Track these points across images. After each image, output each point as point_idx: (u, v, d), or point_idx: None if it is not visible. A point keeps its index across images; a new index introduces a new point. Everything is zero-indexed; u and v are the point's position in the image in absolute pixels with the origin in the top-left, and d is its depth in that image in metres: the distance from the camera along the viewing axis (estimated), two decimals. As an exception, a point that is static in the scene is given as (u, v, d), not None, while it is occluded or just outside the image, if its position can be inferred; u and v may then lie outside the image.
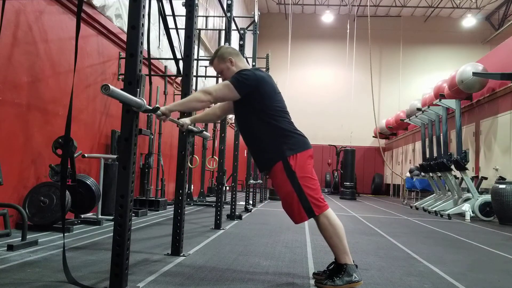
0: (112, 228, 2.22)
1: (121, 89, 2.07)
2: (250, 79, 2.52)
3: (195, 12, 3.42)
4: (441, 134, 8.92)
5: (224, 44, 4.95)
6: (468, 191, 8.03)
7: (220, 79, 8.55)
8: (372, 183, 19.34)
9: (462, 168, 8.05)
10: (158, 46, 7.08)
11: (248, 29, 6.49)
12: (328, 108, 20.51)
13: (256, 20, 7.33)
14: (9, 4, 3.71)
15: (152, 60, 6.53)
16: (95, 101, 5.53)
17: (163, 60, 7.58)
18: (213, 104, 2.74)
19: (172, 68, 7.77)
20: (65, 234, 3.18)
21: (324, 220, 2.48)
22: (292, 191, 2.46)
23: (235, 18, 5.27)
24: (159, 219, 5.37)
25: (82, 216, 4.64)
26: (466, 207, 7.52)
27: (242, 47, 5.67)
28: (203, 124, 7.25)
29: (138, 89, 2.20)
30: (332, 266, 2.53)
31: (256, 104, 2.53)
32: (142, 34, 2.26)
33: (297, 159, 2.49)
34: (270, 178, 2.65)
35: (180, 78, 3.67)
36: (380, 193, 18.93)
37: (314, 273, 2.69)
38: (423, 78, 20.13)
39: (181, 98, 3.46)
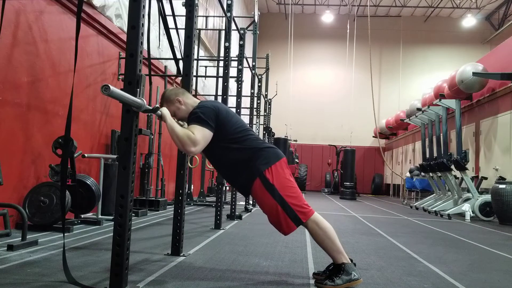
0: (112, 228, 2.22)
1: (121, 89, 2.07)
2: (210, 113, 2.49)
3: (195, 12, 3.42)
4: (441, 134, 8.92)
5: (225, 44, 4.95)
6: (468, 191, 8.03)
7: (220, 80, 8.55)
8: (372, 183, 19.34)
9: (462, 168, 8.05)
10: (158, 46, 7.08)
11: (248, 29, 6.48)
12: (328, 108, 20.52)
13: (256, 20, 7.33)
14: (9, 4, 3.71)
15: (152, 60, 6.53)
16: (95, 101, 5.53)
17: (163, 60, 7.58)
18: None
19: (172, 68, 7.77)
20: (65, 234, 3.18)
21: (313, 225, 2.50)
22: (275, 204, 2.47)
23: (235, 18, 5.27)
24: (159, 219, 5.37)
25: (82, 216, 4.64)
26: (466, 207, 7.52)
27: (242, 47, 5.67)
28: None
29: (138, 89, 2.20)
30: (331, 267, 2.53)
31: (219, 135, 2.52)
32: (142, 34, 2.26)
33: (272, 171, 2.50)
34: (253, 198, 2.66)
35: (180, 78, 3.67)
36: (380, 193, 18.93)
37: (314, 273, 2.69)
38: (423, 78, 20.14)
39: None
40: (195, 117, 2.50)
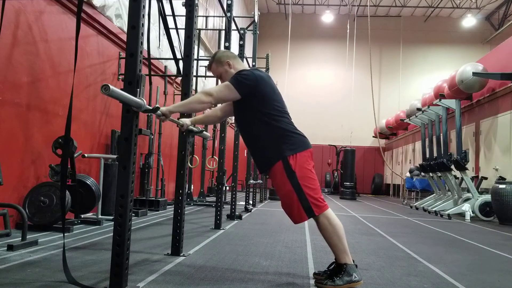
0: (112, 228, 2.22)
1: (121, 89, 2.07)
2: (249, 78, 2.51)
3: (195, 12, 3.42)
4: (441, 134, 8.92)
5: (225, 44, 4.95)
6: (468, 191, 8.03)
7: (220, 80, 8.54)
8: (372, 183, 19.34)
9: (462, 168, 8.05)
10: (158, 46, 7.08)
11: (248, 29, 6.48)
12: (328, 108, 20.52)
13: (256, 20, 7.33)
14: (9, 4, 3.71)
15: (152, 60, 6.53)
16: (95, 101, 5.53)
17: (163, 60, 7.58)
18: (213, 106, 2.74)
19: (172, 68, 7.77)
20: (65, 234, 3.18)
21: (324, 220, 2.48)
22: (292, 191, 2.46)
23: (235, 18, 5.27)
24: (159, 219, 5.37)
25: (82, 216, 4.64)
26: (466, 207, 7.52)
27: (242, 47, 5.67)
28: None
29: (138, 89, 2.20)
30: (332, 266, 2.53)
31: (256, 104, 2.53)
32: (142, 34, 2.26)
33: (297, 158, 2.48)
34: (270, 178, 2.65)
35: (180, 78, 3.67)
36: (380, 193, 18.93)
37: (314, 273, 2.69)
38: (423, 78, 20.13)
39: (181, 98, 3.48)
40: (234, 76, 2.55)
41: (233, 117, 2.80)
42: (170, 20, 3.82)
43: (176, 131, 3.75)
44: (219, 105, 2.89)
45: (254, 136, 2.61)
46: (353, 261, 2.49)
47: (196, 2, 3.50)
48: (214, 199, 7.81)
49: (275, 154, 2.50)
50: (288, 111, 2.66)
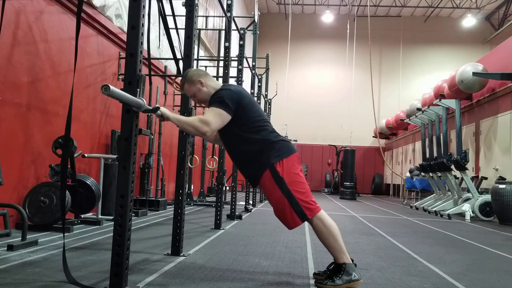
0: (112, 228, 2.22)
1: (121, 89, 2.07)
2: (231, 97, 2.51)
3: (195, 12, 3.42)
4: (441, 134, 8.92)
5: (225, 44, 4.95)
6: (468, 191, 8.03)
7: (220, 80, 8.55)
8: (372, 183, 19.34)
9: (462, 168, 8.05)
10: (158, 46, 7.08)
11: (248, 29, 6.48)
12: (328, 108, 20.51)
13: (256, 20, 7.33)
14: (9, 4, 3.71)
15: (152, 60, 6.53)
16: (95, 101, 5.53)
17: (163, 60, 7.58)
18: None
19: (172, 68, 7.77)
20: (65, 234, 3.18)
21: (317, 222, 2.49)
22: (283, 197, 2.47)
23: (235, 18, 5.27)
24: (159, 219, 5.37)
25: (82, 216, 4.64)
26: (466, 207, 7.52)
27: (242, 47, 5.67)
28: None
29: (138, 89, 2.20)
30: (332, 266, 2.53)
31: (237, 119, 2.53)
32: (142, 34, 2.26)
33: (283, 165, 2.50)
34: (260, 188, 2.66)
35: (180, 78, 3.67)
36: (380, 193, 18.92)
37: (314, 273, 2.69)
38: (423, 78, 20.13)
39: (181, 98, 3.49)
40: (215, 98, 2.52)
41: None
42: (170, 20, 3.81)
43: (176, 131, 3.75)
44: None
45: (240, 151, 2.62)
46: (352, 261, 2.49)
47: (196, 2, 3.50)
48: (214, 199, 7.80)
49: (262, 164, 2.52)
50: (267, 118, 2.68)
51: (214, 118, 2.45)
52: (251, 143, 2.55)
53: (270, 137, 2.57)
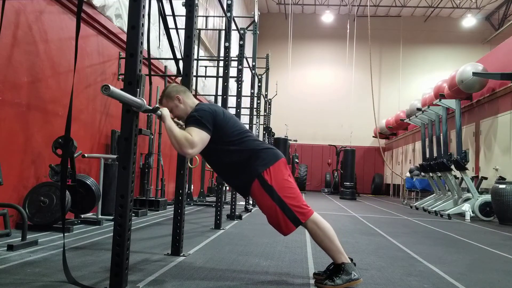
0: (112, 228, 2.22)
1: (121, 89, 2.07)
2: (207, 116, 2.50)
3: (195, 12, 3.42)
4: (441, 134, 8.92)
5: (225, 44, 4.95)
6: (468, 191, 8.03)
7: (220, 80, 8.55)
8: (372, 183, 19.34)
9: (462, 168, 8.05)
10: (158, 46, 7.08)
11: (248, 29, 6.49)
12: (328, 108, 20.51)
13: (256, 20, 7.33)
14: (9, 4, 3.71)
15: (152, 60, 6.53)
16: (95, 101, 5.53)
17: (163, 60, 7.58)
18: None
19: (172, 68, 7.77)
20: (65, 234, 3.18)
21: (312, 226, 2.50)
22: (274, 205, 2.47)
23: (235, 18, 5.27)
24: (159, 219, 5.37)
25: (82, 216, 4.64)
26: (466, 207, 7.52)
27: (242, 47, 5.67)
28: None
29: (138, 89, 2.20)
30: (331, 267, 2.54)
31: (217, 137, 2.53)
32: (142, 34, 2.26)
33: (271, 172, 2.50)
34: (252, 198, 2.67)
35: (180, 78, 3.67)
36: (380, 193, 18.93)
37: (314, 273, 2.70)
38: (423, 78, 20.13)
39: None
40: (193, 119, 2.49)
41: None
42: (170, 20, 3.82)
43: (176, 131, 3.74)
44: None
45: (224, 165, 2.63)
46: (351, 260, 2.49)
47: (196, 2, 3.50)
48: (214, 199, 7.80)
49: (249, 175, 2.52)
50: (246, 128, 2.68)
51: (200, 141, 2.42)
52: (235, 155, 2.55)
53: (254, 146, 2.58)
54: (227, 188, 9.11)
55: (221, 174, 2.73)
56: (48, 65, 4.46)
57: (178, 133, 2.40)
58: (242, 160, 2.55)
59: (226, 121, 2.59)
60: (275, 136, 14.02)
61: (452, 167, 8.35)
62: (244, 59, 5.80)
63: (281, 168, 2.56)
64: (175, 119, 2.72)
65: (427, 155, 9.87)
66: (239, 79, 5.47)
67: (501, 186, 6.98)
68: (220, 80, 8.42)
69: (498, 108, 9.12)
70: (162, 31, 5.94)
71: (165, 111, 2.46)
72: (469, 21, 20.45)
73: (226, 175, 2.68)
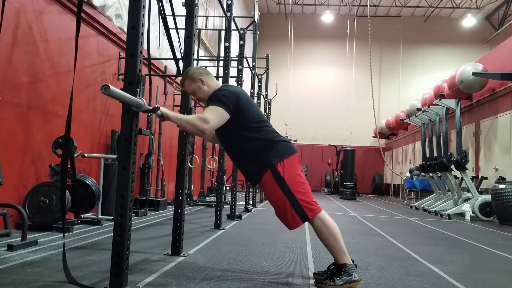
0: (112, 228, 2.22)
1: (121, 89, 2.07)
2: (231, 96, 2.52)
3: (195, 12, 3.42)
4: (441, 134, 8.92)
5: (225, 44, 4.95)
6: (468, 191, 8.02)
7: (220, 80, 8.55)
8: (372, 183, 19.34)
9: (462, 168, 8.04)
10: (158, 46, 7.08)
11: (248, 29, 6.48)
12: (328, 108, 20.51)
13: (256, 20, 7.33)
14: (9, 4, 3.71)
15: (152, 60, 6.53)
16: (95, 101, 5.53)
17: (163, 60, 7.58)
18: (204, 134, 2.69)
19: (172, 68, 7.77)
20: (65, 234, 3.18)
21: (318, 223, 2.49)
22: (284, 198, 2.47)
23: (235, 18, 5.27)
24: (159, 219, 5.37)
25: (82, 216, 4.64)
26: (466, 207, 7.52)
27: (242, 47, 5.67)
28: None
29: (138, 89, 2.20)
30: (332, 267, 2.53)
31: (236, 120, 2.53)
32: (142, 34, 2.26)
33: (284, 165, 2.50)
34: (260, 188, 2.66)
35: (180, 78, 3.67)
36: (380, 193, 18.92)
37: (314, 273, 2.69)
38: (423, 78, 20.13)
39: (181, 98, 3.49)
40: (214, 97, 2.52)
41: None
42: (170, 20, 3.82)
43: (176, 131, 3.75)
44: None
45: (239, 151, 2.62)
46: (353, 261, 2.49)
47: (196, 2, 3.50)
48: (214, 199, 7.80)
49: (263, 165, 2.52)
50: (266, 119, 2.69)
51: (213, 116, 2.45)
52: (251, 142, 2.55)
53: (270, 137, 2.57)
54: (227, 188, 9.12)
55: (235, 159, 2.70)
56: (48, 65, 4.46)
57: (188, 117, 2.45)
58: (257, 148, 2.54)
59: (248, 106, 2.59)
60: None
61: (452, 167, 8.35)
62: (244, 59, 5.80)
63: (295, 162, 2.56)
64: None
65: (427, 155, 9.87)
66: (239, 79, 5.47)
67: (501, 186, 6.98)
68: (220, 80, 8.41)
69: (498, 108, 9.12)
70: (162, 31, 5.95)
71: (164, 110, 2.46)
72: (469, 21, 20.45)
73: (239, 160, 2.66)
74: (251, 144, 2.55)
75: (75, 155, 4.29)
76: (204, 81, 2.68)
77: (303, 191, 2.50)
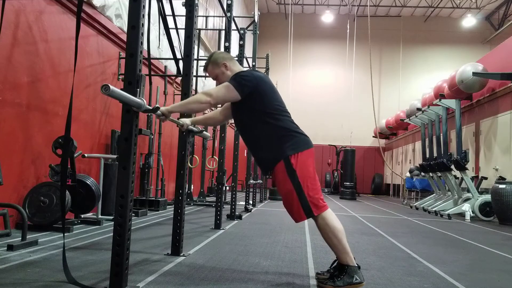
0: (112, 228, 2.22)
1: (121, 89, 2.07)
2: (249, 79, 2.51)
3: (195, 12, 3.42)
4: (441, 134, 8.92)
5: (225, 44, 4.95)
6: (468, 191, 8.02)
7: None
8: (372, 183, 19.34)
9: (462, 168, 8.04)
10: (158, 46, 7.08)
11: (248, 29, 6.48)
12: (328, 108, 20.51)
13: (256, 20, 7.33)
14: (9, 4, 3.71)
15: (152, 60, 6.53)
16: (95, 101, 5.53)
17: (163, 60, 7.58)
18: (213, 109, 2.74)
19: (172, 68, 7.77)
20: (65, 234, 3.18)
21: (322, 221, 2.48)
22: (292, 190, 2.46)
23: (235, 18, 5.27)
24: (159, 219, 5.37)
25: (82, 216, 4.64)
26: (466, 207, 7.52)
27: (242, 47, 5.67)
28: (203, 124, 7.24)
29: (138, 89, 2.20)
30: (335, 265, 2.53)
31: (256, 105, 2.53)
32: (142, 34, 2.26)
33: (298, 158, 2.48)
34: (271, 177, 2.65)
35: (180, 78, 3.67)
36: (380, 193, 18.92)
37: (317, 273, 2.68)
38: (423, 78, 20.12)
39: (181, 98, 3.48)
40: (233, 77, 2.55)
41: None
42: (170, 20, 3.82)
43: (176, 131, 3.75)
44: (219, 108, 2.89)
45: (255, 136, 2.60)
46: (356, 263, 2.47)
47: (196, 2, 3.50)
48: (214, 199, 7.80)
49: (277, 154, 2.50)
50: (288, 110, 2.66)
51: (218, 89, 2.49)
52: (269, 129, 2.53)
53: (289, 126, 2.55)
54: (227, 188, 9.11)
55: (250, 144, 2.67)
56: (48, 65, 4.46)
57: (190, 97, 2.46)
58: (274, 136, 2.52)
59: (271, 92, 2.58)
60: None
61: (452, 167, 8.34)
62: (244, 59, 5.80)
63: (309, 157, 2.54)
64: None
65: (427, 155, 9.87)
66: (239, 79, 5.45)
67: (501, 186, 6.98)
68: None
69: (498, 108, 9.12)
70: (162, 31, 5.95)
71: (163, 108, 2.47)
72: (469, 21, 20.44)
73: (254, 146, 2.63)
74: (268, 130, 2.53)
75: (75, 155, 4.29)
76: (227, 66, 2.69)
77: (313, 187, 2.49)
